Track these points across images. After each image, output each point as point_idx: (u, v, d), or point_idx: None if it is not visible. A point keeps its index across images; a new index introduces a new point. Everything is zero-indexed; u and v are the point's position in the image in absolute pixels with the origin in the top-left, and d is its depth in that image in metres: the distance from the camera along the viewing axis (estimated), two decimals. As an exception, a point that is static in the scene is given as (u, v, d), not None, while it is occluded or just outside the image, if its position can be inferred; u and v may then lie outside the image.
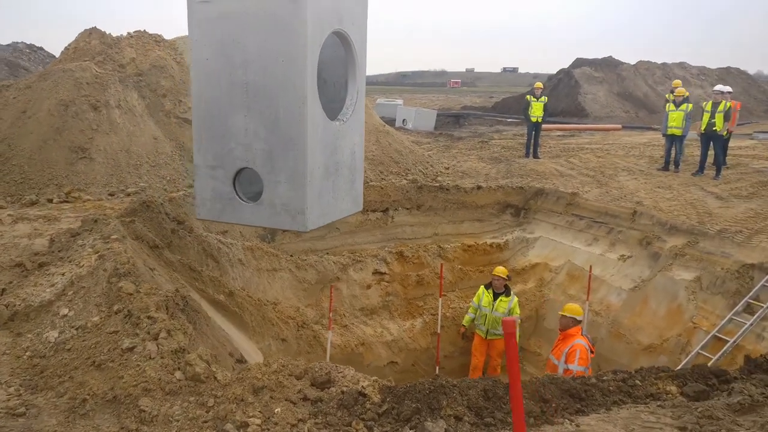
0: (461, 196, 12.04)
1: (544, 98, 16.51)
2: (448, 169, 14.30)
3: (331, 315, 7.67)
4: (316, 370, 3.88)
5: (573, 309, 7.54)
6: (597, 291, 9.92)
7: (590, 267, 9.69)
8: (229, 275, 8.95)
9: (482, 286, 9.55)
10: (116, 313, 4.46)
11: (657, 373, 4.12)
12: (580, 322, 7.51)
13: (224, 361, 4.91)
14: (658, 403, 3.87)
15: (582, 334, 7.47)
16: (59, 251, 5.91)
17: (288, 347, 8.71)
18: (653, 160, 15.46)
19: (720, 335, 8.02)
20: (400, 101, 31.54)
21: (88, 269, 5.02)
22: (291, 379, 3.80)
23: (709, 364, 7.80)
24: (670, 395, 3.97)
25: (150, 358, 3.80)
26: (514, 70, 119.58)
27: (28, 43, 28.98)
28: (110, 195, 9.69)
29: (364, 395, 3.73)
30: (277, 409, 3.55)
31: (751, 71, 51.76)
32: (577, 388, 3.89)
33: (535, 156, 16.11)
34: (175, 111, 11.91)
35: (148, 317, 4.18)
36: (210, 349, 4.77)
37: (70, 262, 5.40)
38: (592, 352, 7.45)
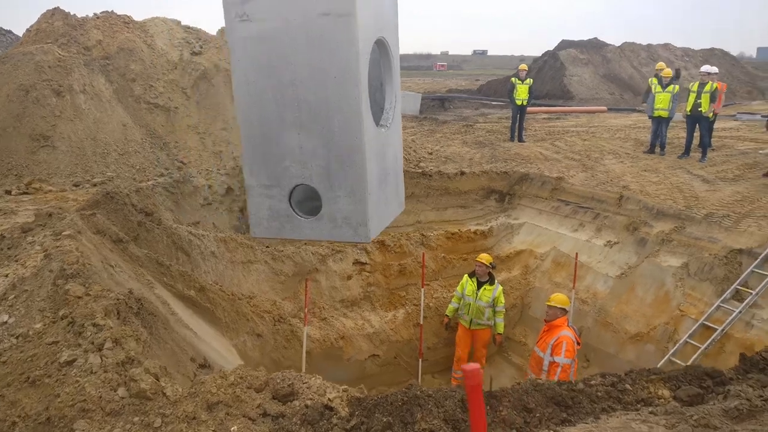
0: (444, 182, 11.70)
1: (529, 80, 16.12)
2: (431, 154, 13.92)
3: (306, 310, 7.32)
4: (278, 381, 3.53)
5: (560, 299, 7.27)
6: (583, 278, 9.68)
7: (576, 254, 9.42)
8: (201, 269, 8.55)
9: (466, 275, 9.26)
10: (62, 319, 4.07)
11: (648, 375, 3.83)
12: (567, 312, 7.25)
13: (184, 367, 4.55)
14: (650, 409, 3.58)
15: (568, 325, 7.20)
16: (8, 249, 5.47)
17: (264, 343, 8.36)
18: (639, 142, 15.21)
19: (708, 323, 7.81)
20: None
21: (33, 270, 4.61)
22: (250, 392, 3.45)
23: (697, 353, 7.62)
24: (663, 400, 3.69)
25: (91, 372, 3.42)
26: (484, 52, 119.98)
27: (-5, 26, 27.91)
28: (75, 185, 9.19)
29: (331, 409, 3.40)
30: (234, 428, 3.21)
31: (734, 52, 51.82)
32: (563, 395, 3.58)
33: (520, 140, 15.79)
34: (146, 96, 11.37)
35: (93, 324, 3.80)
36: (168, 356, 4.41)
37: (16, 261, 4.98)
38: (578, 343, 7.21)
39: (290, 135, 5.09)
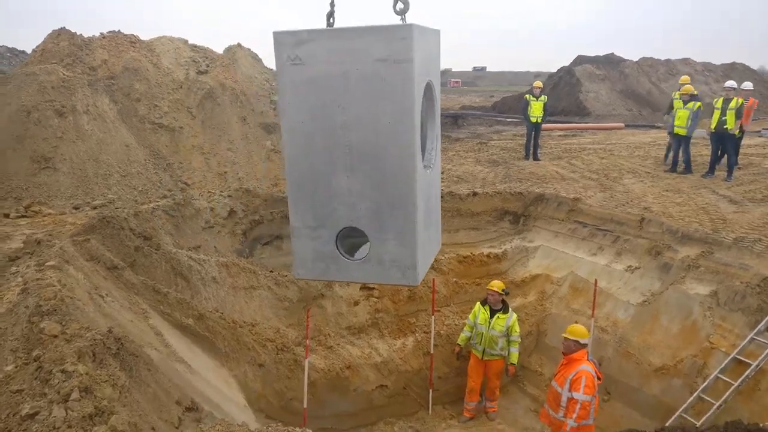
0: (456, 203, 11.29)
1: (543, 97, 15.76)
2: (443, 173, 13.54)
3: (308, 342, 6.90)
4: (262, 440, 3.13)
5: (577, 331, 6.80)
6: (603, 305, 9.16)
7: (595, 280, 8.92)
8: (202, 295, 8.21)
9: (478, 303, 8.80)
10: (34, 361, 3.71)
11: (685, 435, 3.36)
12: (585, 345, 6.76)
13: (168, 412, 4.16)
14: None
15: (588, 359, 6.72)
16: (-10, 280, 5.16)
17: (266, 373, 7.95)
18: (659, 160, 14.70)
19: (741, 357, 7.25)
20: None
21: (9, 305, 4.27)
22: (229, 453, 3.04)
23: (729, 391, 7.07)
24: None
25: (53, 428, 3.05)
26: (483, 68, 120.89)
27: (9, 46, 28.19)
28: (75, 208, 8.96)
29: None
30: (208, 497, 2.79)
31: (755, 66, 50.97)
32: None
33: (535, 158, 15.36)
34: (150, 116, 11.19)
35: (62, 371, 3.43)
36: (149, 401, 4.03)
37: (-6, 295, 4.66)
38: (599, 378, 6.72)
39: (339, 178, 4.96)
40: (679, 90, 13.84)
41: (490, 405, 8.80)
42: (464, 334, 8.87)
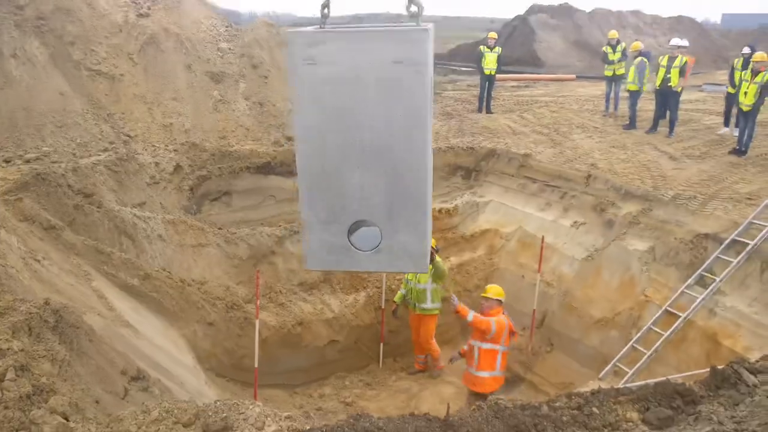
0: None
1: (498, 49, 15.60)
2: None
3: (258, 302, 6.88)
4: (210, 414, 3.13)
5: (496, 291, 7.21)
6: (549, 260, 9.46)
7: (542, 237, 9.17)
8: (148, 254, 8.01)
9: None
10: (-36, 338, 3.54)
11: (616, 396, 3.56)
12: (502, 303, 7.09)
13: (113, 384, 4.09)
14: (618, 436, 3.31)
15: (504, 314, 7.04)
16: None
17: (216, 332, 7.92)
18: (620, 114, 14.96)
19: (672, 310, 7.70)
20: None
21: (-66, 277, 4.04)
22: (177, 428, 3.04)
23: (659, 341, 7.53)
24: (631, 423, 3.43)
25: (-12, 410, 2.94)
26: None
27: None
28: (5, 162, 8.43)
29: (268, 447, 3.01)
30: (155, 474, 2.80)
31: (699, 19, 51.89)
32: (525, 422, 3.29)
33: (488, 111, 15.37)
34: (86, 62, 10.48)
35: (-5, 349, 3.29)
36: (92, 373, 3.94)
37: None
38: (512, 332, 7.10)
39: (351, 174, 5.18)
40: (608, 44, 14.86)
41: (433, 363, 8.86)
42: (400, 292, 8.86)
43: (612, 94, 15.13)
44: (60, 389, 3.38)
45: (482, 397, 6.74)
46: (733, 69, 13.18)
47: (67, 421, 2.96)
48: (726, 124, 13.26)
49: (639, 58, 13.40)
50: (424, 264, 5.44)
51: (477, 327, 6.94)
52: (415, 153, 4.58)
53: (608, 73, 15.10)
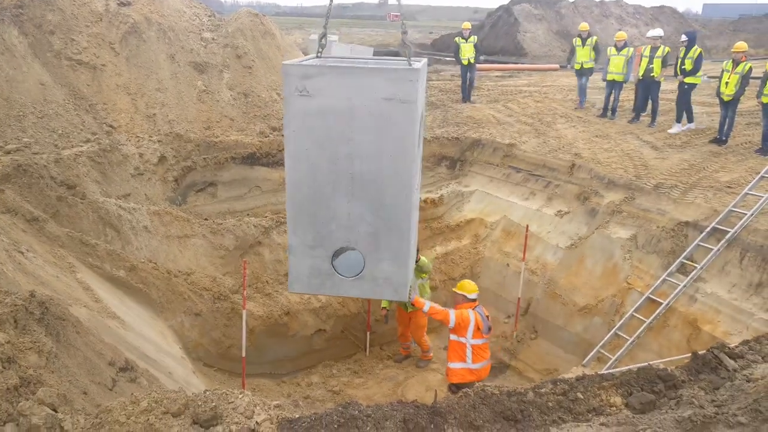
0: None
1: (473, 38, 15.69)
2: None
3: (245, 293, 6.88)
4: (199, 404, 3.14)
5: (465, 287, 7.07)
6: (533, 249, 9.59)
7: (527, 225, 9.27)
8: (133, 246, 7.96)
9: None
10: (-51, 330, 3.51)
11: (600, 382, 3.64)
12: (473, 300, 6.99)
13: (101, 375, 4.09)
14: (602, 419, 3.39)
15: (476, 310, 6.92)
16: None
17: (203, 322, 7.93)
18: (590, 104, 15.09)
19: (654, 297, 7.85)
20: (335, 38, 29.78)
21: None
22: (166, 418, 3.05)
23: (641, 328, 7.67)
24: (615, 408, 3.51)
25: (-24, 403, 2.93)
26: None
27: None
28: (-15, 153, 8.28)
29: (259, 435, 3.04)
30: (146, 463, 2.82)
31: (680, 8, 52.39)
32: (512, 408, 3.35)
33: (469, 100, 15.39)
34: (67, 52, 10.30)
35: (-18, 342, 3.27)
36: (79, 365, 3.93)
37: None
38: (479, 329, 6.84)
39: (339, 202, 5.41)
40: (579, 36, 14.62)
41: (423, 353, 8.92)
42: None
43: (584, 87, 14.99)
44: (47, 381, 3.37)
45: (455, 386, 6.79)
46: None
47: (56, 412, 2.96)
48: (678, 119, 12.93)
49: (627, 49, 13.47)
50: (404, 293, 5.50)
51: (434, 317, 6.95)
52: (401, 186, 5.18)
53: (577, 66, 14.90)
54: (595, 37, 14.84)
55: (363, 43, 29.89)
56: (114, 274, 7.07)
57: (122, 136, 9.44)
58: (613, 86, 13.38)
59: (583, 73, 14.74)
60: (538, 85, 19.32)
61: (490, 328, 7.02)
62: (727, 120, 10.88)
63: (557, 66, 25.98)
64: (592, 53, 14.46)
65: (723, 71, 10.87)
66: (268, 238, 9.21)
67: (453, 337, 6.88)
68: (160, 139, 9.73)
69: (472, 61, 15.38)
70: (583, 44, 14.54)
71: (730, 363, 3.80)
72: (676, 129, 12.18)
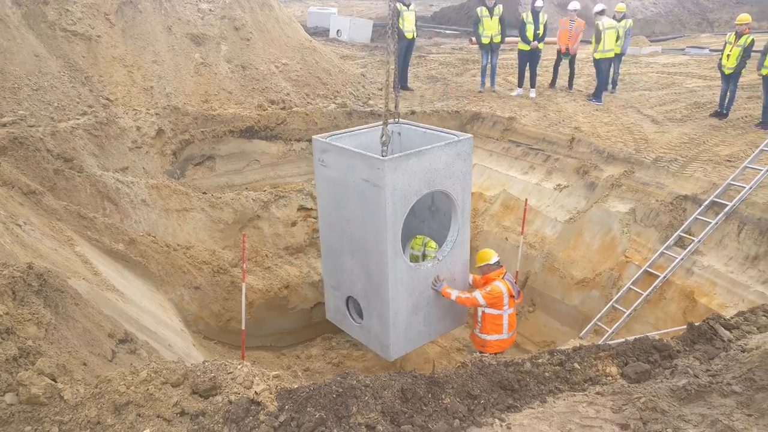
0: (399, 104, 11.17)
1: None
2: (381, 90, 13.26)
3: (244, 266, 6.90)
4: (199, 374, 3.17)
5: (483, 256, 6.92)
6: (532, 223, 9.59)
7: (526, 199, 9.26)
8: (132, 219, 7.96)
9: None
10: (-52, 301, 3.52)
11: (597, 352, 3.68)
12: (497, 263, 6.88)
13: (100, 346, 4.12)
14: (598, 389, 3.44)
15: (504, 278, 6.80)
16: None
17: (203, 295, 7.98)
18: (591, 77, 14.93)
19: (651, 270, 7.88)
20: (333, 9, 29.33)
21: None
22: (165, 388, 3.08)
23: (638, 300, 7.72)
24: (611, 378, 3.55)
25: (-23, 372, 2.96)
26: None
27: None
28: (-19, 126, 8.21)
29: (258, 403, 3.08)
30: (147, 431, 2.85)
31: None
32: (509, 378, 3.39)
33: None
34: (61, 22, 10.13)
35: (-19, 312, 3.29)
36: (78, 336, 3.96)
37: None
38: (512, 296, 6.76)
39: (346, 257, 6.33)
40: (485, 5, 12.70)
41: None
42: None
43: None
44: (47, 351, 3.40)
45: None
46: (524, 23, 12.62)
47: (55, 382, 2.98)
48: (520, 84, 13.04)
49: (625, 21, 13.26)
50: (387, 353, 6.19)
51: (464, 305, 6.83)
52: (380, 255, 5.81)
53: (485, 40, 12.64)
54: (500, 6, 12.86)
55: (363, 16, 29.43)
56: (113, 247, 7.08)
57: (119, 109, 9.36)
58: (612, 59, 13.19)
59: (492, 48, 12.86)
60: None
61: (519, 292, 6.99)
62: (729, 93, 10.79)
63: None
64: (499, 25, 12.66)
65: (725, 44, 10.72)
66: (267, 212, 9.21)
67: (488, 310, 6.66)
68: (157, 112, 9.64)
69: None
70: (491, 14, 12.67)
71: (725, 333, 3.83)
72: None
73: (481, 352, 7.04)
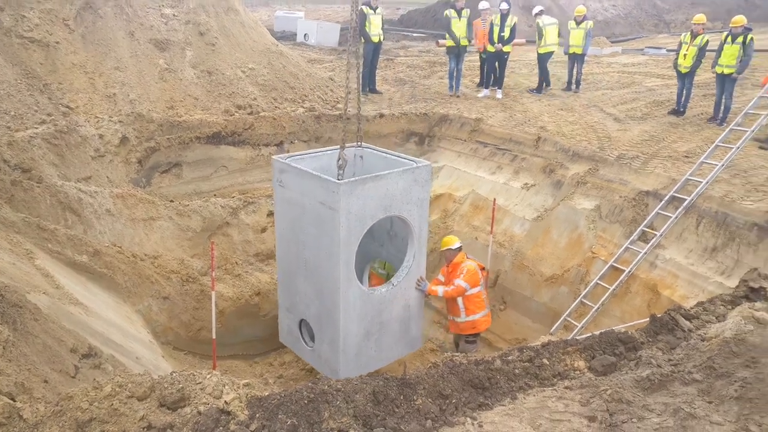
0: (363, 125, 11.17)
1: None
2: (349, 93, 13.23)
3: (213, 274, 6.81)
4: (166, 386, 3.12)
5: (447, 241, 7.42)
6: (501, 222, 9.71)
7: (494, 199, 9.37)
8: (96, 230, 7.78)
9: None
10: None
11: (565, 347, 3.75)
12: (459, 248, 7.33)
13: (62, 362, 4.02)
14: (566, 383, 3.50)
15: (468, 257, 7.34)
16: None
17: (172, 305, 7.83)
18: (555, 78, 15.21)
19: (616, 265, 8.06)
20: (300, 13, 29.20)
21: None
22: (131, 402, 3.02)
23: (605, 295, 7.88)
24: (578, 372, 3.62)
25: (-68, 393, 2.85)
26: None
27: None
28: (-67, 137, 7.93)
29: (228, 413, 3.05)
30: (112, 446, 2.79)
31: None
32: (480, 376, 3.42)
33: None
34: (17, 28, 9.86)
35: (-64, 331, 3.17)
36: (38, 353, 3.85)
37: None
38: (483, 268, 7.43)
39: (299, 279, 6.31)
40: (454, 8, 12.81)
41: None
42: None
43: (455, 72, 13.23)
44: (4, 370, 3.30)
45: (473, 336, 7.31)
46: (492, 25, 12.72)
47: (14, 401, 2.89)
48: (486, 85, 13.40)
49: (586, 22, 13.55)
50: (336, 377, 6.43)
51: (453, 297, 7.08)
52: (332, 281, 5.78)
53: (450, 43, 12.67)
54: (468, 9, 12.98)
55: (330, 20, 29.38)
56: (76, 259, 6.90)
57: (80, 117, 9.14)
58: (575, 59, 13.48)
59: (459, 51, 12.86)
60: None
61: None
62: (685, 91, 11.11)
63: (524, 41, 25.99)
64: (467, 28, 12.73)
65: (681, 44, 11.04)
66: (236, 219, 9.11)
67: (470, 291, 7.01)
68: (121, 119, 9.45)
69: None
70: (459, 16, 12.65)
71: (686, 324, 3.95)
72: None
73: (472, 335, 7.23)
